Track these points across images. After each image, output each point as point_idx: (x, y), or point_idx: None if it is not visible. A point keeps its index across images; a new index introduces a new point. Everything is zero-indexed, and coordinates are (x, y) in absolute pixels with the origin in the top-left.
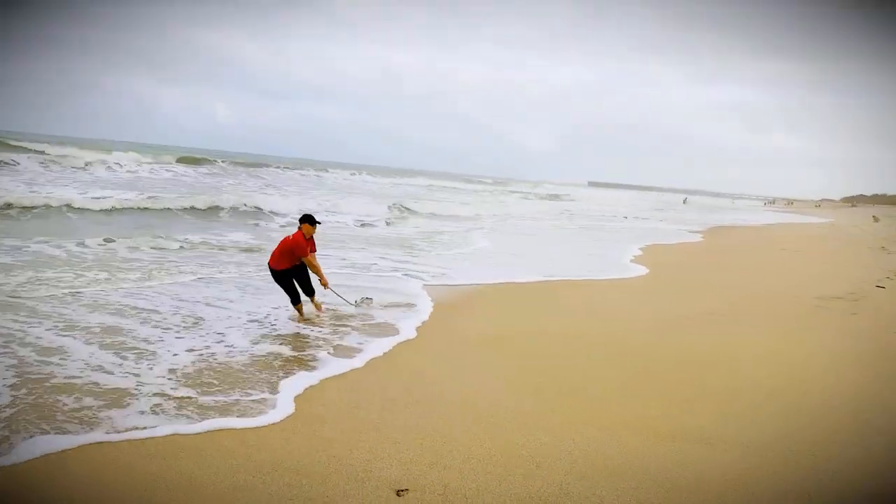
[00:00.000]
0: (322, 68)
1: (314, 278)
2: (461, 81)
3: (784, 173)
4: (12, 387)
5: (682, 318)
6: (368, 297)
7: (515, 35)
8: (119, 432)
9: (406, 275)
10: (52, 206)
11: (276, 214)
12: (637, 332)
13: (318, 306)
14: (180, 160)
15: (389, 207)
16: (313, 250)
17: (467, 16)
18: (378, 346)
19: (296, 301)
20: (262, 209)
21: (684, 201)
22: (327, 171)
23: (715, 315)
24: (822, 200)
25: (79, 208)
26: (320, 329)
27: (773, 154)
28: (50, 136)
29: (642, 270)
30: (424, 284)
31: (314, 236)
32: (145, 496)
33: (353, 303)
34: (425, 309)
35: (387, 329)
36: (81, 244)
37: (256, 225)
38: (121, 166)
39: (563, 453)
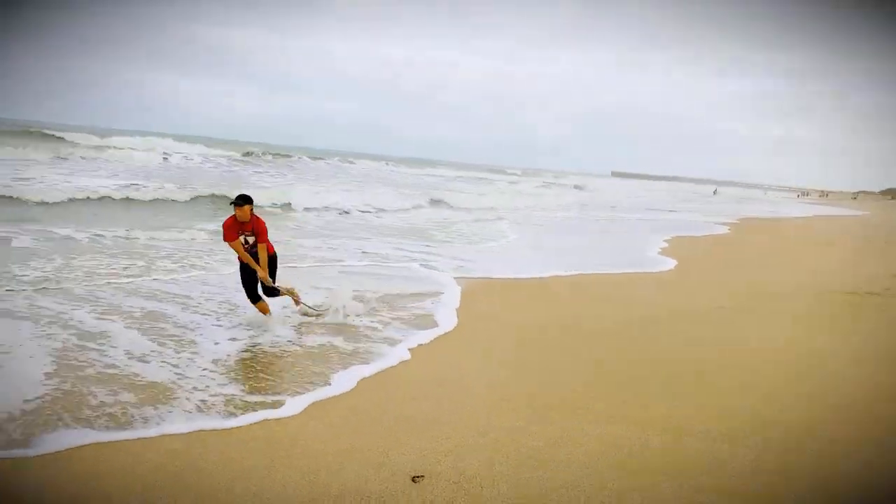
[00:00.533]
0: (344, 66)
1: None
2: (481, 76)
3: (819, 163)
4: (50, 375)
5: (709, 312)
6: (334, 308)
7: (531, 29)
8: (148, 428)
9: (435, 267)
10: (77, 199)
11: (308, 208)
12: (664, 326)
13: (264, 310)
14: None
15: (415, 198)
16: (262, 238)
17: (479, 14)
18: (416, 339)
19: (253, 300)
20: (290, 203)
21: (714, 192)
22: (352, 162)
23: (741, 310)
24: (859, 192)
25: (110, 199)
26: (359, 319)
27: (807, 145)
28: (93, 127)
29: (670, 263)
30: (455, 277)
31: (255, 218)
32: (168, 493)
33: (312, 307)
34: (458, 302)
35: (426, 321)
36: (111, 232)
37: (279, 213)
38: (149, 154)
39: (577, 445)
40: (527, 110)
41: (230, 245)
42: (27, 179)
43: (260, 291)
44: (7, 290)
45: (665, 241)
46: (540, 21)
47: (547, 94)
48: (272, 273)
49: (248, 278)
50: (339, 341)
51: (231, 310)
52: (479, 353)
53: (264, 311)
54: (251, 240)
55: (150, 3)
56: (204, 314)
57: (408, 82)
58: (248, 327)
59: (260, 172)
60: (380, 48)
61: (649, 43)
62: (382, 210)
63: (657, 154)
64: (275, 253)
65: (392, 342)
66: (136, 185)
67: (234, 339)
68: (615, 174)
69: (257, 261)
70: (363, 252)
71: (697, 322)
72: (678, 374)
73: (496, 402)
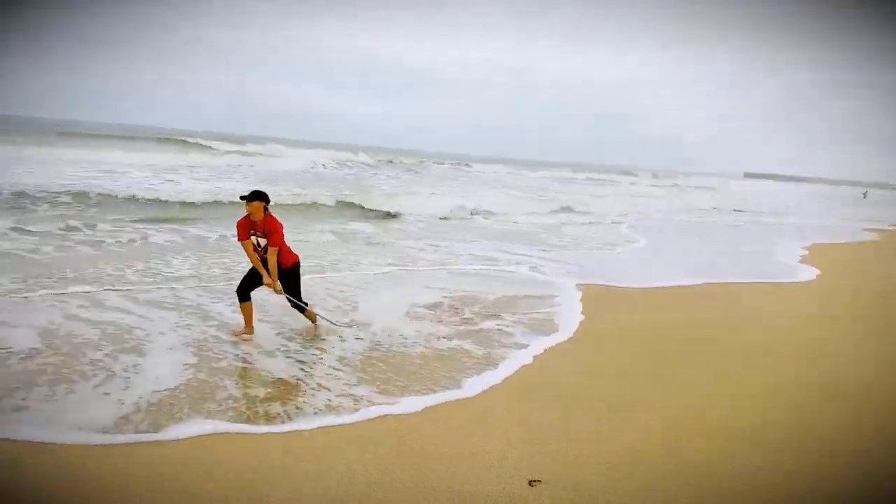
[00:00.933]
0: (466, 66)
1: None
2: (604, 75)
3: None
4: (187, 365)
5: (844, 327)
6: (353, 322)
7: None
8: (273, 423)
9: (555, 272)
10: (211, 202)
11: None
12: (792, 343)
13: (311, 317)
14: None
15: (536, 202)
16: (273, 241)
17: (598, 9)
18: (539, 344)
19: (241, 298)
20: (403, 208)
21: (864, 195)
22: (468, 166)
23: (883, 327)
24: None
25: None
26: (478, 323)
27: None
28: (230, 135)
29: (810, 272)
30: (578, 283)
31: (269, 217)
32: (272, 486)
33: (334, 322)
34: (578, 308)
35: (547, 326)
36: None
37: (385, 218)
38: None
39: (696, 461)
40: (656, 110)
41: (242, 246)
42: (167, 182)
43: (266, 294)
44: (151, 284)
45: (804, 248)
46: (673, 22)
47: (676, 95)
48: (296, 284)
49: (251, 278)
50: (468, 344)
51: (354, 307)
52: (599, 361)
53: (246, 315)
54: (263, 241)
55: (280, 16)
56: (328, 310)
57: (523, 84)
58: (370, 323)
59: (377, 174)
60: (503, 53)
61: (787, 38)
62: (500, 213)
63: (795, 154)
64: (297, 262)
65: (518, 346)
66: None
67: (359, 339)
68: (748, 175)
69: (266, 266)
70: (483, 255)
71: (841, 341)
72: (805, 395)
73: (616, 411)
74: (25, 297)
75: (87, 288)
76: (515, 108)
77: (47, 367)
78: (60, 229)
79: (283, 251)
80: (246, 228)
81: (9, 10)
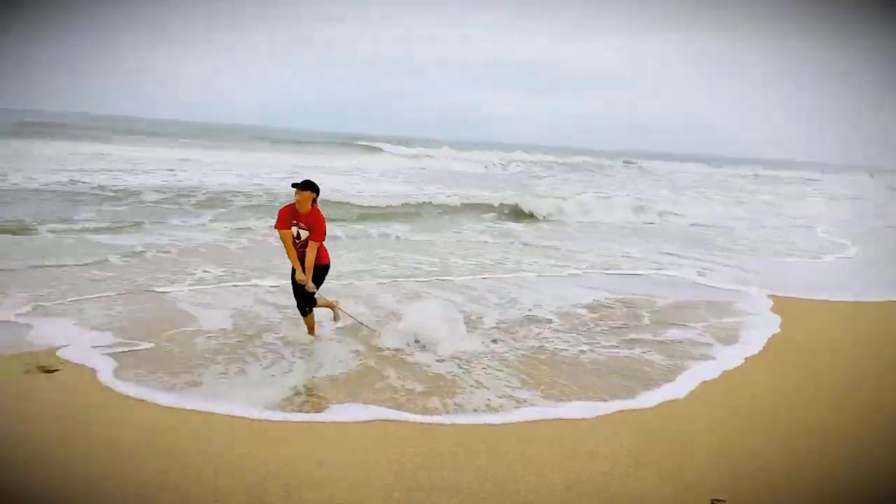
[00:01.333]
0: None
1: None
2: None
3: None
4: (356, 352)
5: None
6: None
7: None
8: (430, 414)
9: (739, 281)
10: (382, 205)
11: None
12: None
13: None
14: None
15: (717, 202)
16: (315, 236)
17: None
18: (725, 357)
19: (306, 313)
20: (562, 209)
21: None
22: (634, 163)
23: None
24: None
25: (405, 204)
26: (659, 333)
27: None
28: (412, 139)
29: None
30: (770, 294)
31: (315, 211)
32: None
33: (368, 325)
34: (770, 320)
35: (731, 338)
36: (400, 231)
37: (549, 219)
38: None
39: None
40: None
41: (280, 234)
42: (350, 185)
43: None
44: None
45: None
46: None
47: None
48: (317, 283)
49: (299, 285)
50: (652, 355)
51: (511, 303)
52: (791, 379)
53: (310, 328)
54: (304, 234)
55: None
56: (488, 306)
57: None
58: (533, 322)
59: (543, 174)
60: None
61: None
62: (669, 213)
63: None
64: (328, 263)
65: (702, 358)
66: (426, 190)
67: (522, 337)
68: None
69: (303, 260)
70: (649, 258)
71: None
72: None
73: (808, 434)
74: (235, 285)
75: (273, 281)
76: (692, 100)
77: (225, 346)
78: (252, 224)
79: (321, 248)
80: (288, 218)
81: (9, 11)
